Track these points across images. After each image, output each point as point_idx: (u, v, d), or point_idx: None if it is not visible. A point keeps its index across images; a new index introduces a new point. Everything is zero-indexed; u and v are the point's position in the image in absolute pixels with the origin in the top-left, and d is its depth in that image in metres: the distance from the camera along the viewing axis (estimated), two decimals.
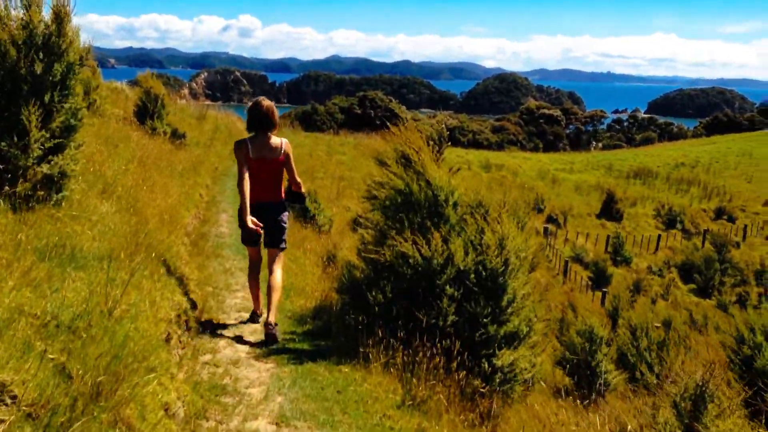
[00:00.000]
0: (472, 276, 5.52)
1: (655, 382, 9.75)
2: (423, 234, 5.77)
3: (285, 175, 6.08)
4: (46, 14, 4.66)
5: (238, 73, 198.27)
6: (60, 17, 4.63)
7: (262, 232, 5.70)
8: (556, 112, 79.99)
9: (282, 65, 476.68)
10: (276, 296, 5.79)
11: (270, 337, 5.59)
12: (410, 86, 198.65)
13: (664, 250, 31.21)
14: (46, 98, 4.66)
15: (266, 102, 5.95)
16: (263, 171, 5.79)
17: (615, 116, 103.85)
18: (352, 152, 29.67)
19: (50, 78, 4.65)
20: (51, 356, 2.73)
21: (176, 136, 15.56)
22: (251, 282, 6.17)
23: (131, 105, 15.81)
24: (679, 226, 34.59)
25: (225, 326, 5.95)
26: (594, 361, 9.24)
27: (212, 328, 5.77)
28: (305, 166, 24.94)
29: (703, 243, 31.43)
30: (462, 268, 5.54)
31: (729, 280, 27.46)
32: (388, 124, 7.21)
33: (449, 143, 6.85)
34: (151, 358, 3.13)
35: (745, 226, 35.06)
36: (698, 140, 66.85)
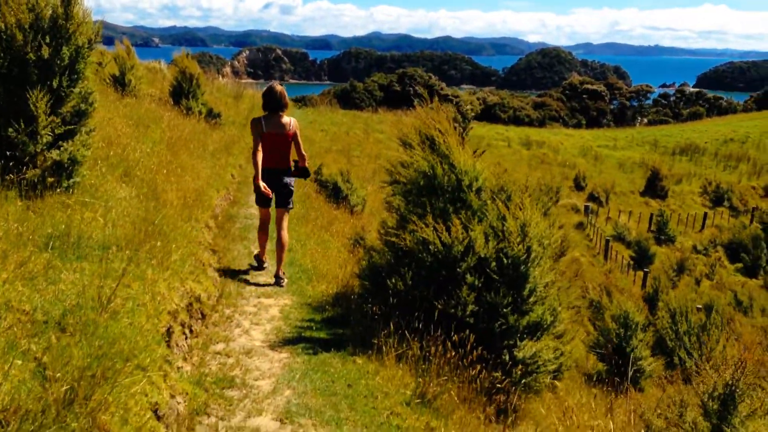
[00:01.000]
0: (493, 264, 5.30)
1: (694, 369, 9.43)
2: (444, 220, 5.57)
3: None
4: None
5: (279, 51, 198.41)
6: None
7: (272, 196, 6.78)
8: (600, 87, 77.81)
9: (323, 42, 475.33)
10: (284, 253, 6.94)
11: (278, 280, 6.77)
12: (451, 62, 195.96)
13: (710, 229, 30.28)
14: (55, 83, 4.58)
15: (278, 86, 7.02)
16: (274, 143, 6.77)
17: (661, 91, 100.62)
18: (390, 130, 29.39)
19: (58, 62, 4.57)
20: (34, 356, 2.64)
21: (211, 115, 15.56)
22: (260, 235, 7.22)
23: (167, 85, 15.82)
24: (726, 203, 33.50)
25: (243, 312, 5.86)
26: (628, 347, 8.97)
27: (229, 314, 5.69)
28: (342, 145, 24.78)
29: (752, 221, 30.40)
30: (483, 255, 5.33)
31: None
32: (415, 102, 7.26)
33: (472, 127, 6.66)
34: (141, 356, 3.02)
35: None
36: (748, 114, 64.37)
